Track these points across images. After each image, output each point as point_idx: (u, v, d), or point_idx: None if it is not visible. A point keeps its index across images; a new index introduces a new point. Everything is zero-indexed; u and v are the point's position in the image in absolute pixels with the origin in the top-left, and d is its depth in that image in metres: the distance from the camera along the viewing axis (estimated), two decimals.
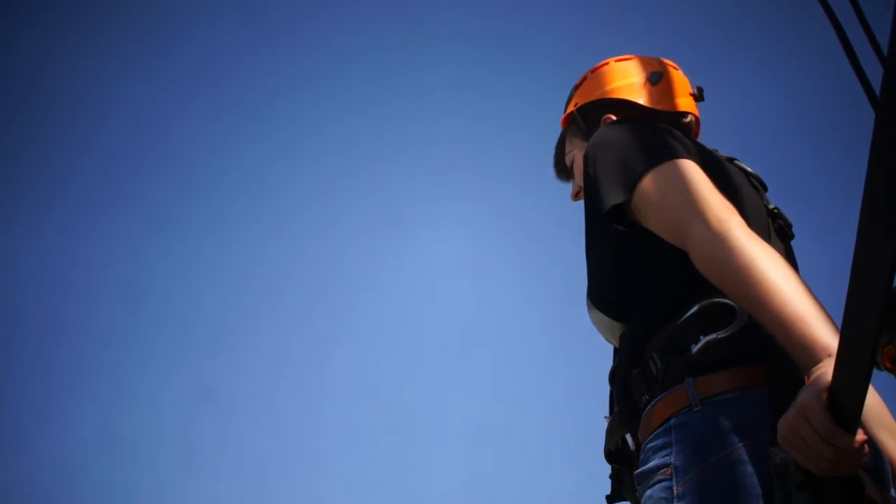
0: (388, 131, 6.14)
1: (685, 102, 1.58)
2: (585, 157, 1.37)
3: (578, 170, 1.58)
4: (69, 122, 5.81)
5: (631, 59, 1.64)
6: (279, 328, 6.24)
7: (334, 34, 5.98)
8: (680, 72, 1.63)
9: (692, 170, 1.23)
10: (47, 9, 5.40)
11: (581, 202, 1.55)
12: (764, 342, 1.09)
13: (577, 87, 1.68)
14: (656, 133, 1.34)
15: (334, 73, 6.07)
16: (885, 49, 0.56)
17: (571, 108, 1.65)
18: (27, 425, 5.52)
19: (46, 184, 5.87)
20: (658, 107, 1.55)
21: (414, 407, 5.93)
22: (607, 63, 1.64)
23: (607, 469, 1.35)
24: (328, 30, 5.99)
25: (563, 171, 1.70)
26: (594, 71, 1.65)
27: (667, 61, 1.64)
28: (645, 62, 1.62)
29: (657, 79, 1.57)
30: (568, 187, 1.69)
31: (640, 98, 1.56)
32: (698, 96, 1.62)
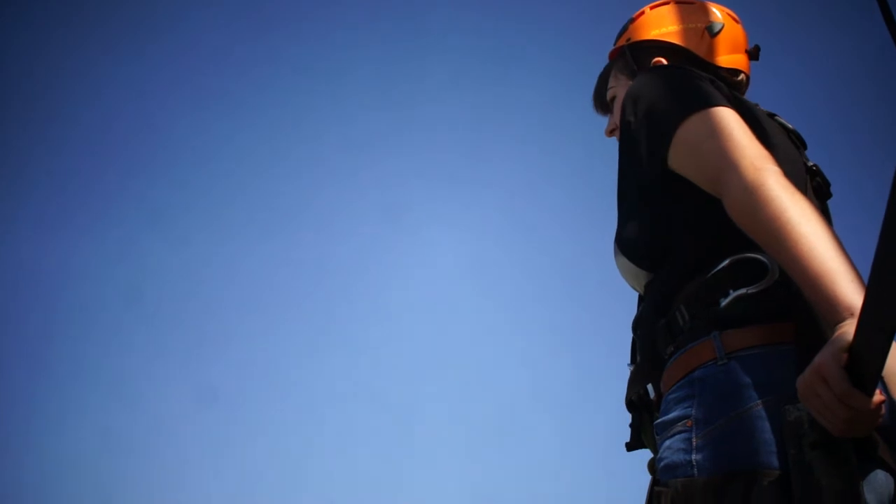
0: (389, 130, 6.10)
1: (739, 59, 1.55)
2: (624, 104, 1.35)
3: (618, 107, 1.55)
4: (68, 122, 5.83)
5: (693, 2, 1.59)
6: (279, 329, 6.29)
7: (334, 30, 5.92)
8: (740, 26, 1.59)
9: (731, 117, 1.21)
10: (43, 9, 5.38)
11: (613, 139, 1.55)
12: (794, 299, 1.08)
13: (631, 21, 1.64)
14: (698, 81, 1.31)
15: (334, 70, 6.02)
16: None
17: (622, 42, 1.62)
18: (27, 425, 5.63)
19: (47, 184, 5.91)
20: (711, 59, 1.51)
21: (414, 407, 5.97)
22: (668, 2, 1.60)
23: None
24: (328, 25, 5.92)
25: (602, 104, 1.68)
26: (653, 7, 1.61)
27: (729, 12, 1.59)
28: (706, 9, 1.58)
29: (716, 30, 1.53)
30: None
31: (695, 47, 1.52)
32: (753, 54, 1.58)
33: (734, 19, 1.59)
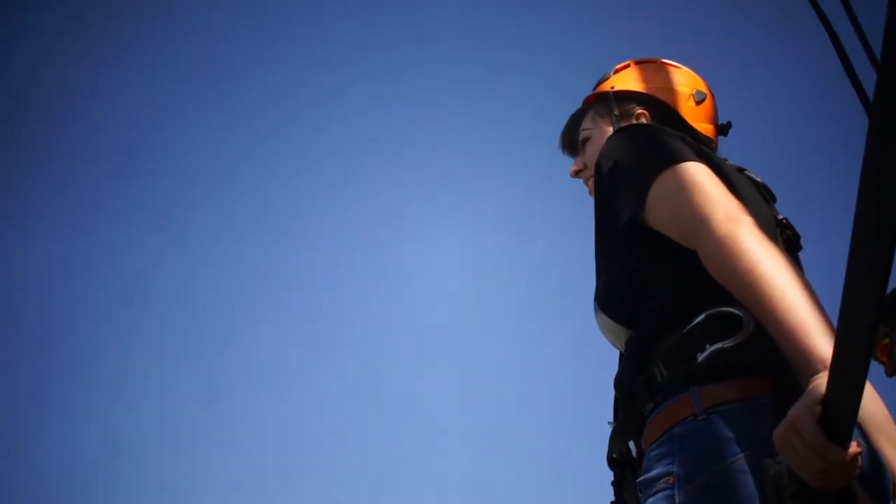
0: (389, 131, 6.17)
1: (710, 130, 1.61)
2: (598, 164, 1.37)
3: (592, 150, 1.58)
4: (69, 123, 5.86)
5: (681, 68, 1.66)
6: (281, 329, 6.28)
7: (333, 32, 6.02)
8: (714, 101, 1.65)
9: (702, 171, 1.23)
10: (45, 9, 5.45)
11: (577, 180, 1.60)
12: (770, 352, 1.08)
13: (616, 72, 1.68)
14: (668, 138, 1.34)
15: (333, 71, 6.10)
16: (878, 54, 0.55)
17: (607, 88, 1.65)
18: (29, 426, 5.57)
19: (49, 185, 5.93)
20: (693, 125, 1.57)
21: (416, 407, 5.94)
22: (655, 62, 1.66)
23: (609, 475, 1.34)
24: (327, 28, 6.02)
25: (571, 144, 1.68)
26: (639, 63, 1.67)
27: (708, 87, 1.66)
28: (693, 78, 1.64)
29: (700, 99, 1.60)
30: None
31: (682, 110, 1.58)
32: (723, 130, 1.64)
33: (712, 93, 1.64)
